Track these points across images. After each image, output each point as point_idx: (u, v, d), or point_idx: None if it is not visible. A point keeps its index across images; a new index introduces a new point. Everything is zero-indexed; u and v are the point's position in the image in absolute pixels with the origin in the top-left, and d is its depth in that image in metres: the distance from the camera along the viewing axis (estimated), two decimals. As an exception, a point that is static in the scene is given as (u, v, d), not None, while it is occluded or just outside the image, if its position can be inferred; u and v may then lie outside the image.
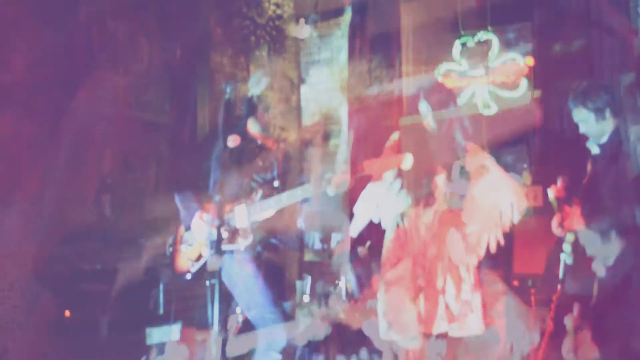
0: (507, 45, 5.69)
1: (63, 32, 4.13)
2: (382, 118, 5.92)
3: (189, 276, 2.98)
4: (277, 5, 6.49)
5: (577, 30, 4.91)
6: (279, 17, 6.50)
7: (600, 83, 3.23)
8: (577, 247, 3.04)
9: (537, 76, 5.38)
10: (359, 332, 3.73)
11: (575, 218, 3.00)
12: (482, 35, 5.74)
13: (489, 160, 3.04)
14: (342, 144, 6.40)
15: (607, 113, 3.10)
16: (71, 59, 4.18)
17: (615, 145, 3.07)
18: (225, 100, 2.57)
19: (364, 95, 6.09)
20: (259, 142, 3.14)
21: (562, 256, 3.14)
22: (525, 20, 5.49)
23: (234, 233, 2.86)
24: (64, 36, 4.11)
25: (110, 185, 4.53)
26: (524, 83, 5.54)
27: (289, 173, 3.01)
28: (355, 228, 3.15)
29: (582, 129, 3.22)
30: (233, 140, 2.95)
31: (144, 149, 4.62)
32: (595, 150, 3.20)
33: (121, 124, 4.42)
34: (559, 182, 3.09)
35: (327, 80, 6.69)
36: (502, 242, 2.96)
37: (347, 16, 6.34)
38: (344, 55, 6.43)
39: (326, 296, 4.24)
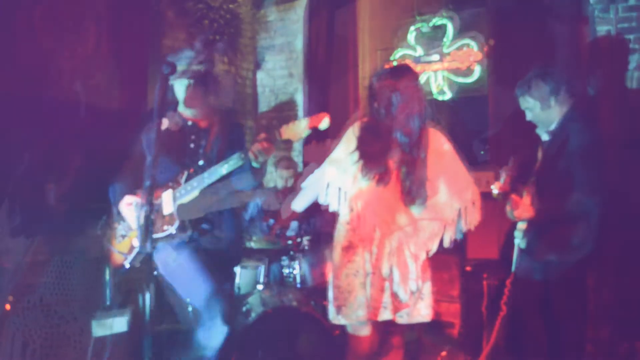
0: (461, 30, 5.70)
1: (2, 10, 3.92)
2: (339, 102, 5.88)
3: (127, 265, 2.89)
4: (232, -12, 6.35)
5: (530, 17, 4.94)
6: (233, 0, 6.35)
7: (546, 71, 3.23)
8: (528, 234, 3.06)
9: (491, 62, 5.38)
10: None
11: (525, 207, 3.01)
12: (436, 21, 5.74)
13: (448, 145, 2.85)
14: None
15: (552, 101, 3.13)
16: (13, 42, 3.97)
17: (566, 133, 3.10)
18: (162, 81, 2.44)
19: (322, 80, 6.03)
20: (190, 122, 3.03)
21: (516, 241, 3.16)
22: (480, 6, 5.49)
23: (159, 220, 2.79)
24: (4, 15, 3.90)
25: (55, 174, 4.35)
26: (477, 69, 5.56)
27: (215, 150, 2.92)
28: (300, 203, 3.02)
29: (529, 116, 3.25)
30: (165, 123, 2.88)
31: (91, 135, 4.44)
32: (545, 137, 3.23)
33: (66, 109, 4.25)
34: (503, 178, 3.09)
35: (283, 66, 6.60)
36: (459, 238, 2.79)
37: (303, 0, 6.26)
38: (300, 40, 6.35)
39: (280, 284, 4.18)
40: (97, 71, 4.77)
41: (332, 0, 6.00)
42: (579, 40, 4.75)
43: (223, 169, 2.75)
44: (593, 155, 3.00)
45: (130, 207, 2.89)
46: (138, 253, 2.86)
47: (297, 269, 4.10)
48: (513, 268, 3.24)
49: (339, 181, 2.80)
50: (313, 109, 6.06)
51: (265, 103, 6.77)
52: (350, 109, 5.71)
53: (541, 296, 3.17)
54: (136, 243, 2.86)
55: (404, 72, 2.88)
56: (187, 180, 2.85)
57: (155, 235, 2.73)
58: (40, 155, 4.26)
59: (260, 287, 4.17)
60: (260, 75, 6.77)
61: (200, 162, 2.90)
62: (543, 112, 3.17)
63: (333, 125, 5.01)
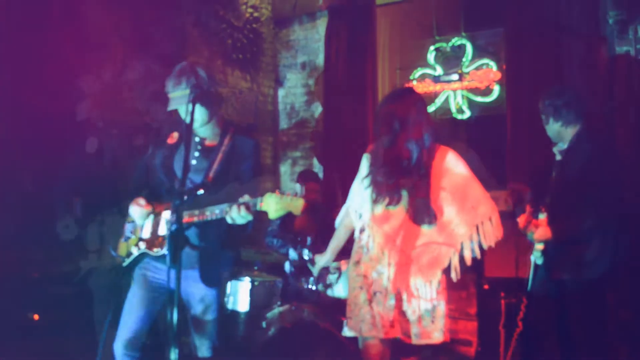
0: (480, 50, 5.76)
1: (34, 33, 4.07)
2: (358, 119, 5.94)
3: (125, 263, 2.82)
4: (255, 8, 6.49)
5: (548, 37, 4.98)
6: (256, 19, 6.50)
7: (561, 88, 3.33)
8: (546, 254, 3.09)
9: (509, 82, 5.42)
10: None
11: (544, 228, 3.05)
12: (456, 41, 5.80)
13: (456, 163, 2.83)
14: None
15: (561, 114, 3.20)
16: (41, 63, 4.11)
17: (577, 153, 3.16)
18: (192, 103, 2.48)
19: (340, 99, 6.11)
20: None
21: (532, 258, 3.19)
22: (498, 27, 5.55)
23: (154, 238, 2.73)
24: (34, 38, 4.05)
25: (82, 188, 4.48)
26: (496, 88, 5.61)
27: (220, 179, 2.69)
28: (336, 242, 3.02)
29: (545, 122, 3.32)
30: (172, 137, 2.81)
31: (118, 151, 4.57)
32: (558, 156, 3.28)
33: (92, 127, 4.38)
34: (527, 211, 3.12)
35: (304, 84, 6.71)
36: (478, 256, 2.71)
37: (324, 20, 6.37)
38: (320, 58, 6.45)
39: (298, 299, 4.22)
40: (124, 90, 4.92)
41: (352, 20, 6.10)
42: (596, 60, 4.78)
43: (216, 211, 2.52)
44: (604, 174, 3.04)
45: (141, 210, 2.76)
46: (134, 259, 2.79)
47: (314, 284, 4.14)
48: (529, 286, 3.26)
49: (358, 206, 2.86)
50: (332, 127, 6.15)
51: (285, 120, 6.88)
52: (369, 127, 5.77)
53: (558, 314, 3.19)
54: (135, 251, 2.78)
55: (403, 97, 2.89)
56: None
57: (145, 251, 2.74)
58: (70, 171, 4.40)
59: (278, 302, 4.22)
60: (281, 93, 6.90)
61: (199, 192, 2.58)
62: (552, 125, 3.25)
63: (351, 143, 5.05)
